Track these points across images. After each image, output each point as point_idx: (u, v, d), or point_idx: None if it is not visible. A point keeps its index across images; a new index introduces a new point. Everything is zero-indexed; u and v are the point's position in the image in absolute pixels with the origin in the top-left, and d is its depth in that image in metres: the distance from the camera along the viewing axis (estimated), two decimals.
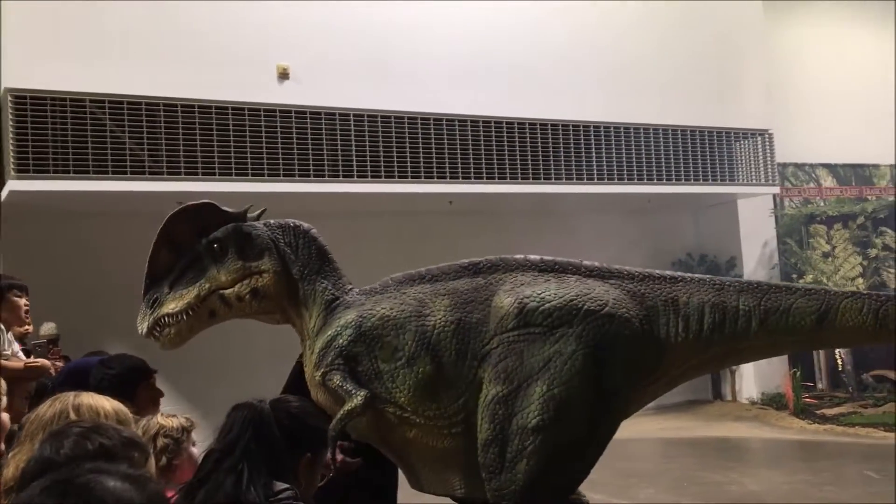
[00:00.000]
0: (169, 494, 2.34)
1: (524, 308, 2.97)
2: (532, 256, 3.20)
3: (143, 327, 3.21)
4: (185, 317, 3.18)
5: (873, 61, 13.85)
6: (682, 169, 10.98)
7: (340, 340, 3.06)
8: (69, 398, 2.42)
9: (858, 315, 3.03)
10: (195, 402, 7.98)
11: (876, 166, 13.07)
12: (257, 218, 3.43)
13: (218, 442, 2.40)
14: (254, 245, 3.26)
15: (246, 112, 8.38)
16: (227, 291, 3.22)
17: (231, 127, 8.30)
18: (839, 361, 12.14)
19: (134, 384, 3.50)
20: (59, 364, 5.00)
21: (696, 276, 3.20)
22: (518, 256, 3.20)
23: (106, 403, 2.45)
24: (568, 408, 2.85)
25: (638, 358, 2.98)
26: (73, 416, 2.31)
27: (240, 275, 3.23)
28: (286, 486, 2.25)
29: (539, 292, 3.01)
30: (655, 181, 10.78)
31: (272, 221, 3.39)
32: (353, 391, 2.94)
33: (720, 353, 3.14)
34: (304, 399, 2.62)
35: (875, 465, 8.38)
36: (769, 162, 11.73)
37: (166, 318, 3.18)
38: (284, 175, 8.55)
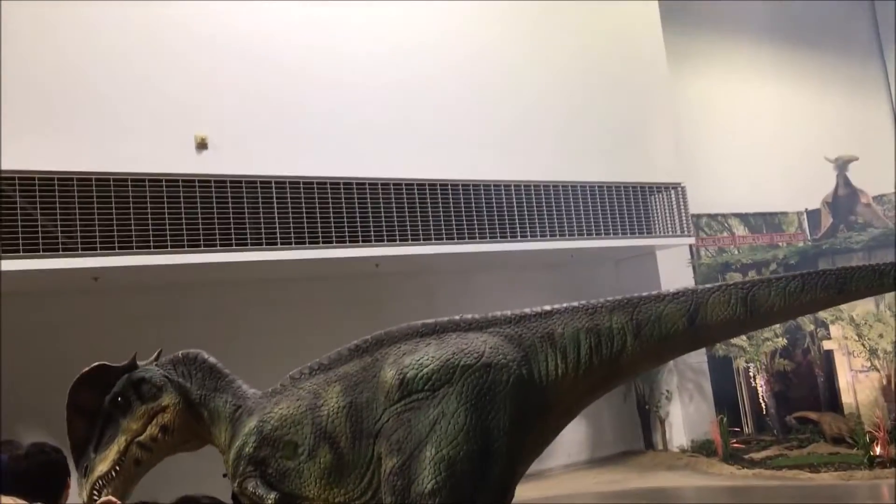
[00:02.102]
0: None
1: (404, 378, 3.08)
2: (414, 323, 3.31)
3: (83, 496, 3.39)
4: (114, 474, 3.39)
5: (775, 112, 14.57)
6: (600, 223, 11.23)
7: (247, 449, 3.24)
8: None
9: (727, 307, 3.12)
10: None
11: (784, 213, 13.62)
12: (157, 359, 3.70)
13: None
14: (150, 387, 3.54)
15: (164, 183, 8.24)
16: (142, 437, 3.49)
17: (148, 198, 8.15)
18: (763, 405, 12.44)
19: (50, 481, 3.33)
20: None
21: (571, 304, 3.27)
22: (401, 326, 3.30)
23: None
24: (459, 465, 2.93)
25: (521, 400, 3.06)
26: None
27: (147, 418, 3.50)
28: None
29: (418, 359, 3.11)
30: (575, 236, 10.99)
31: (163, 359, 3.65)
32: (264, 495, 3.11)
33: (605, 375, 3.23)
34: (212, 498, 2.45)
35: None
36: (683, 214, 12.11)
37: (100, 482, 3.38)
38: (205, 245, 8.40)
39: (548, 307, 3.28)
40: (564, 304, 3.28)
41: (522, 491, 10.66)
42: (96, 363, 3.68)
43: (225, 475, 3.27)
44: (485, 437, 2.98)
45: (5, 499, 2.33)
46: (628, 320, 3.17)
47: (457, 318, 3.30)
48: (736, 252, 12.93)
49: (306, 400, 3.23)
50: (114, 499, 3.19)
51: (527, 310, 3.29)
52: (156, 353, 3.75)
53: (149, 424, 3.48)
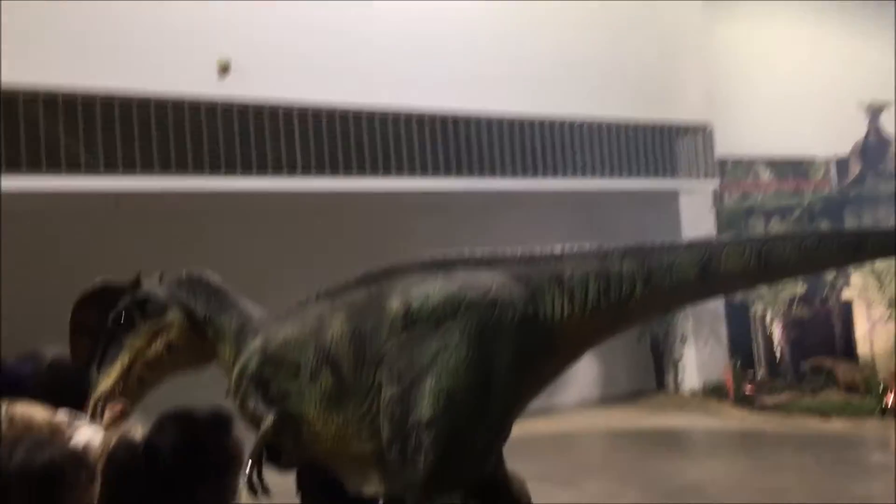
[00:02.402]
0: None
1: (410, 308, 3.06)
2: (422, 255, 3.28)
3: (86, 413, 3.34)
4: (118, 392, 3.36)
5: (809, 58, 14.21)
6: (624, 164, 11.12)
7: (250, 367, 3.24)
8: (2, 408, 2.34)
9: (741, 260, 3.05)
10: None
11: (812, 160, 13.42)
12: (160, 279, 3.67)
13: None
14: (155, 305, 3.51)
15: (186, 106, 8.22)
16: (146, 355, 3.45)
17: (171, 122, 8.13)
18: (778, 351, 12.45)
19: (74, 392, 3.42)
20: None
21: (582, 247, 3.24)
22: (411, 257, 3.29)
23: (40, 415, 2.38)
24: (458, 398, 2.93)
25: (525, 339, 3.04)
26: (5, 427, 2.24)
27: (151, 335, 3.47)
28: None
29: (424, 291, 3.09)
30: (598, 176, 10.90)
31: (166, 279, 3.63)
32: (264, 414, 3.11)
33: (611, 320, 3.19)
34: (197, 422, 2.26)
35: (812, 453, 8.62)
36: (709, 157, 11.95)
37: (103, 399, 3.34)
38: (226, 171, 8.41)
39: (558, 248, 3.23)
40: (576, 246, 3.24)
41: (532, 426, 10.85)
42: (99, 280, 3.64)
43: (228, 392, 3.31)
44: (486, 372, 2.97)
45: (32, 407, 2.38)
46: (639, 267, 3.10)
47: (466, 253, 3.27)
48: (760, 198, 12.77)
49: (311, 324, 3.24)
50: (122, 405, 3.26)
51: (537, 249, 3.25)
52: (158, 274, 3.73)
53: (153, 343, 3.46)
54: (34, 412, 2.36)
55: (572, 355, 3.28)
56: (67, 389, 3.38)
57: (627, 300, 3.10)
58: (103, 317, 3.52)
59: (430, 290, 3.09)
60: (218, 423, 2.24)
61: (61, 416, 3.18)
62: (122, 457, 2.10)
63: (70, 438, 2.91)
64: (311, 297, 3.37)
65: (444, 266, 3.22)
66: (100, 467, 2.51)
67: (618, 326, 3.31)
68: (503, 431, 3.13)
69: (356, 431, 3.12)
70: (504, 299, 3.05)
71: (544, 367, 3.18)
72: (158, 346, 3.47)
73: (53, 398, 3.24)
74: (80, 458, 1.71)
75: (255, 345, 3.30)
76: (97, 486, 1.72)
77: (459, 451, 2.97)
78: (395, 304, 3.11)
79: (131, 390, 3.43)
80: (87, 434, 3.14)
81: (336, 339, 3.15)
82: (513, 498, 3.27)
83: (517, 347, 3.03)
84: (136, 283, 3.60)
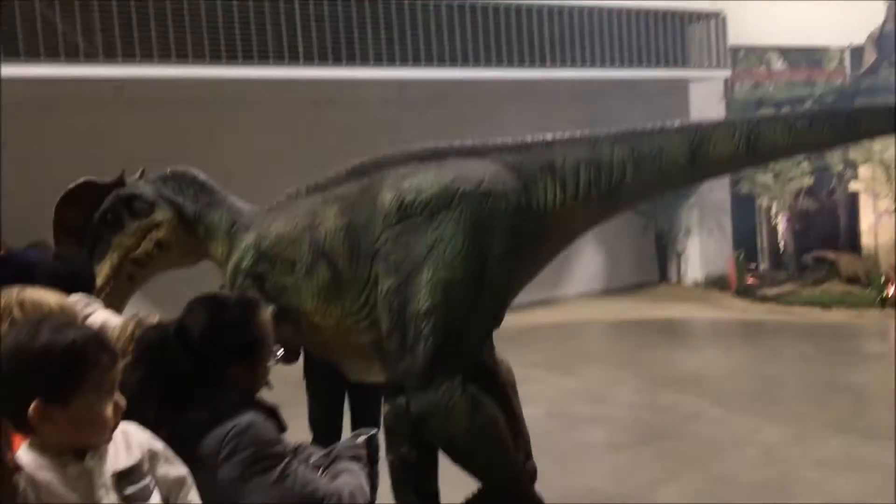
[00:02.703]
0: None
1: (403, 201, 3.07)
2: (413, 146, 3.26)
3: None
4: (108, 290, 3.40)
5: None
6: (633, 52, 10.86)
7: (245, 263, 3.26)
8: (13, 293, 2.36)
9: (730, 143, 3.05)
10: None
11: (826, 49, 13.08)
12: (141, 176, 3.63)
13: (128, 375, 2.16)
14: (142, 203, 3.48)
15: None
16: (136, 253, 3.47)
17: (169, 9, 7.92)
18: (782, 243, 12.49)
19: (83, 279, 3.44)
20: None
21: (573, 134, 3.22)
22: (400, 149, 3.27)
23: (51, 299, 2.41)
24: (454, 288, 2.99)
25: (518, 230, 3.08)
26: (16, 312, 2.26)
27: (140, 234, 3.46)
28: (218, 397, 2.06)
29: (417, 183, 3.09)
30: (607, 66, 10.66)
31: (151, 176, 3.58)
32: None
33: (602, 206, 3.23)
34: (223, 305, 2.30)
35: (810, 342, 8.77)
36: (721, 45, 11.64)
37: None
38: (227, 59, 8.24)
39: (549, 136, 3.22)
40: (567, 134, 3.22)
41: (535, 317, 11.00)
42: (82, 179, 3.58)
43: (222, 286, 3.32)
44: (481, 262, 3.02)
45: (43, 292, 2.41)
46: (629, 153, 3.11)
47: (457, 143, 3.25)
48: (772, 88, 12.53)
49: (303, 219, 3.25)
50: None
51: (528, 138, 3.24)
52: (140, 171, 3.67)
53: (142, 240, 3.48)
54: (46, 296, 2.39)
55: (564, 242, 3.36)
56: (74, 277, 3.41)
57: (618, 186, 3.12)
58: (88, 216, 3.51)
59: (423, 182, 3.09)
60: (246, 305, 2.29)
61: (75, 299, 3.22)
62: (154, 337, 2.18)
63: (85, 320, 2.97)
64: (301, 191, 3.36)
65: (434, 157, 3.21)
66: (122, 349, 2.57)
67: (608, 212, 3.35)
68: (497, 318, 3.20)
69: (354, 323, 3.18)
70: (497, 190, 3.06)
71: (536, 255, 3.24)
72: (148, 244, 3.47)
73: (60, 285, 3.27)
74: (101, 339, 1.75)
75: (248, 241, 3.30)
76: (119, 369, 1.76)
77: (457, 339, 3.04)
78: (388, 196, 3.11)
79: (121, 288, 3.43)
80: (103, 316, 3.20)
81: (330, 233, 3.16)
82: (499, 382, 3.36)
83: (511, 237, 3.06)
84: (121, 182, 3.57)
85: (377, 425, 3.90)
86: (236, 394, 2.13)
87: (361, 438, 2.42)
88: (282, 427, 2.15)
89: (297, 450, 2.23)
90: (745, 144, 3.04)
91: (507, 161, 3.16)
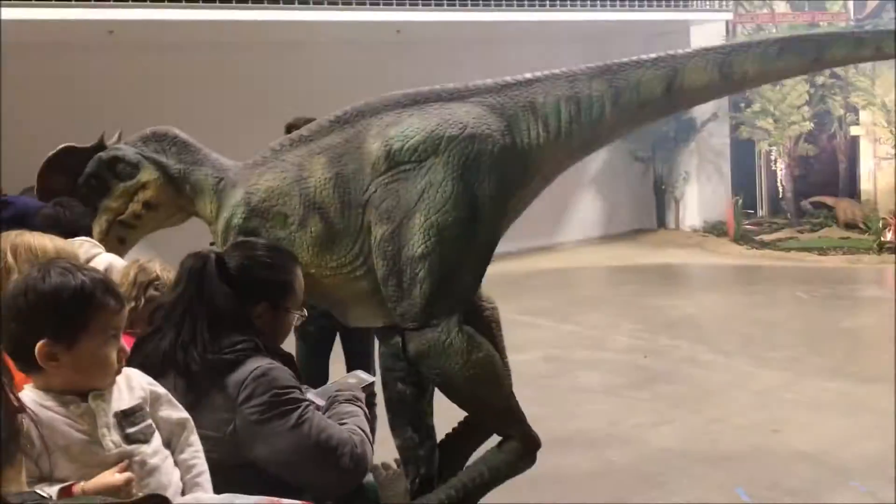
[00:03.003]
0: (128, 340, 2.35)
1: (391, 149, 3.12)
2: (394, 93, 3.29)
3: None
4: None
5: None
6: None
7: (235, 220, 3.27)
8: (10, 237, 2.37)
9: (704, 72, 3.16)
10: None
11: None
12: (119, 139, 3.62)
13: (167, 295, 2.36)
14: (125, 165, 3.48)
15: None
16: (124, 216, 3.47)
17: None
18: (780, 189, 12.47)
19: (81, 222, 3.44)
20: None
21: (552, 72, 3.29)
22: (381, 96, 3.30)
23: (48, 243, 2.41)
24: (447, 231, 3.07)
25: (505, 169, 3.15)
26: (9, 258, 2.27)
27: (127, 196, 3.47)
28: (242, 338, 2.15)
29: (402, 130, 3.14)
30: (607, 7, 10.51)
31: (131, 138, 3.57)
32: None
33: (584, 141, 3.32)
34: (264, 246, 2.50)
35: (806, 287, 8.82)
36: None
37: None
38: (222, 1, 8.11)
39: (529, 75, 3.28)
40: (546, 72, 3.28)
41: (534, 263, 11.04)
42: (62, 146, 3.58)
43: (212, 244, 3.33)
44: (471, 203, 3.10)
45: (42, 236, 2.41)
46: (608, 87, 3.21)
47: (437, 87, 3.28)
48: (774, 30, 12.36)
49: (291, 172, 3.27)
50: None
51: (508, 78, 3.29)
52: (117, 134, 3.68)
53: (130, 202, 3.47)
54: (43, 240, 2.39)
55: (549, 176, 3.40)
56: (75, 222, 3.42)
57: (599, 120, 3.22)
58: (72, 182, 3.51)
59: (408, 129, 3.13)
60: (283, 252, 2.49)
61: (79, 242, 3.23)
62: (195, 262, 2.26)
63: (89, 262, 2.98)
64: (286, 144, 3.38)
65: (416, 103, 3.24)
66: (124, 294, 2.61)
67: (590, 147, 3.44)
68: (488, 257, 3.26)
69: (351, 271, 3.23)
70: (482, 132, 3.12)
71: (524, 192, 3.30)
72: (136, 205, 3.47)
73: (61, 230, 3.28)
74: (109, 283, 1.78)
75: (236, 197, 3.31)
76: (125, 313, 1.79)
77: (452, 279, 3.12)
78: (374, 146, 3.15)
79: (112, 251, 3.45)
80: (108, 259, 3.21)
81: (319, 185, 3.20)
82: (485, 319, 3.44)
83: (498, 177, 3.13)
84: (101, 146, 3.57)
85: (370, 364, 4.02)
86: (258, 337, 2.18)
87: (355, 379, 2.46)
88: (297, 375, 2.20)
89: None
90: (718, 73, 3.16)
91: (489, 103, 3.22)
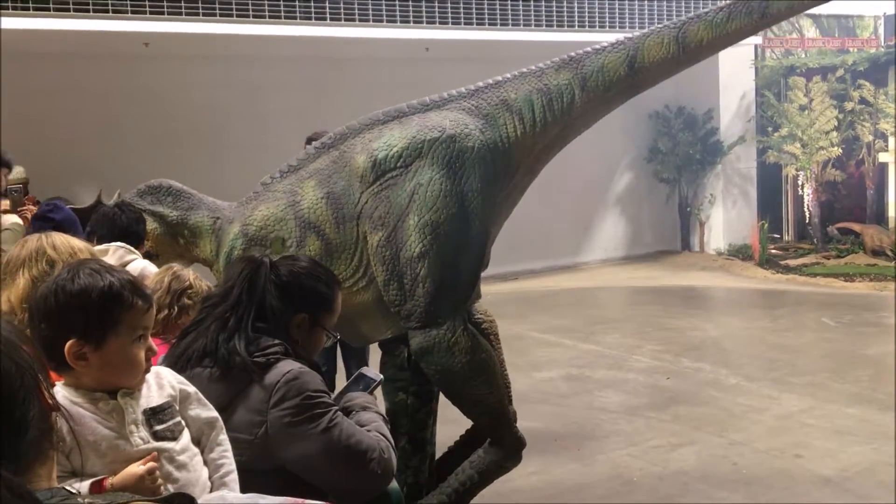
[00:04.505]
0: (165, 349, 2.41)
1: (376, 159, 3.26)
2: (374, 113, 3.47)
3: None
4: None
5: None
6: (663, 16, 10.71)
7: (236, 251, 3.40)
8: (42, 238, 2.43)
9: (661, 48, 3.35)
10: None
11: (860, 17, 12.83)
12: (119, 196, 3.82)
13: (216, 289, 2.46)
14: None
15: None
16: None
17: None
18: (807, 214, 12.38)
19: (141, 236, 3.57)
20: (33, 209, 4.95)
21: (520, 71, 3.47)
22: (362, 117, 3.47)
23: (77, 242, 2.48)
24: (441, 227, 3.18)
25: (488, 164, 3.29)
26: (50, 252, 2.34)
27: (120, 203, 3.62)
28: (276, 342, 2.21)
29: (385, 141, 3.29)
30: (636, 29, 10.52)
31: (126, 195, 3.75)
32: None
33: (560, 129, 3.48)
34: (313, 261, 2.59)
35: (832, 313, 8.74)
36: None
37: None
38: (254, 16, 8.23)
39: (499, 77, 3.47)
40: (514, 72, 3.48)
41: (557, 282, 11.01)
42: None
43: (216, 286, 3.46)
44: (461, 199, 3.21)
45: (72, 238, 2.48)
46: (574, 75, 3.38)
47: (415, 101, 3.46)
48: (803, 55, 12.32)
49: (283, 199, 3.41)
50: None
51: (479, 83, 3.47)
52: (116, 193, 3.86)
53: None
54: (72, 241, 2.46)
55: (531, 170, 3.54)
56: (128, 226, 3.55)
57: (570, 108, 3.39)
58: (69, 213, 3.68)
59: (391, 139, 3.28)
60: (330, 272, 2.59)
61: (115, 247, 3.33)
62: (248, 263, 2.37)
63: (124, 267, 3.06)
64: (276, 176, 3.55)
65: (395, 117, 3.41)
66: (158, 299, 2.68)
67: (566, 135, 3.57)
68: (484, 253, 3.37)
69: (353, 284, 3.33)
70: (461, 131, 3.27)
71: (509, 187, 3.44)
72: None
73: (115, 233, 3.44)
74: (137, 285, 1.82)
75: (234, 231, 3.45)
76: (153, 314, 1.83)
77: (452, 275, 3.23)
78: (360, 160, 3.29)
79: None
80: (142, 265, 3.30)
81: (312, 205, 3.33)
82: (484, 331, 3.52)
83: (483, 172, 3.27)
84: (98, 203, 3.75)
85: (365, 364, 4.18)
86: (292, 345, 2.25)
87: (363, 383, 2.51)
88: (326, 383, 2.25)
89: None
90: (675, 46, 3.34)
91: (464, 106, 3.39)
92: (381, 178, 3.25)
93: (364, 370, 2.65)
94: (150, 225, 3.63)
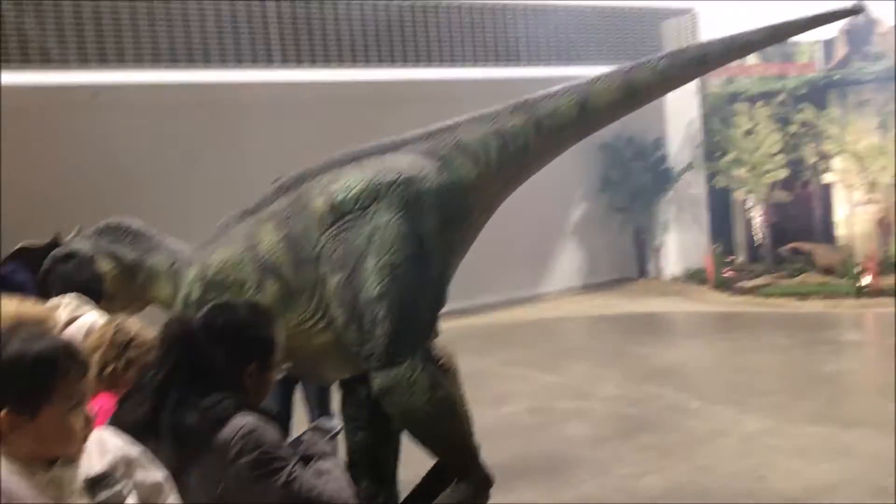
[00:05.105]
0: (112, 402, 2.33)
1: (334, 202, 3.29)
2: (331, 155, 3.50)
3: None
4: None
5: None
6: (608, 49, 10.93)
7: (193, 295, 3.40)
8: None
9: (610, 93, 3.48)
10: None
11: (797, 43, 13.22)
12: (78, 234, 3.76)
13: (151, 358, 2.37)
14: (81, 258, 3.57)
15: None
16: None
17: (142, 13, 7.89)
18: (758, 236, 12.62)
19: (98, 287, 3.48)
20: None
21: (474, 114, 3.54)
22: (319, 161, 3.49)
23: (12, 308, 2.40)
24: (400, 268, 3.20)
25: (445, 205, 3.33)
26: None
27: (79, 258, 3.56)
28: (225, 396, 2.16)
29: (343, 183, 3.32)
30: (581, 63, 10.73)
31: (85, 232, 3.72)
32: None
33: (515, 171, 3.54)
34: (246, 305, 2.53)
35: (788, 333, 8.88)
36: (694, 41, 11.75)
37: None
38: (204, 61, 8.21)
39: (452, 121, 3.53)
40: (468, 115, 3.54)
41: (517, 314, 11.02)
42: (18, 246, 3.72)
43: None
44: (419, 240, 3.24)
45: (20, 300, 2.40)
46: (528, 118, 3.45)
47: (371, 144, 3.50)
48: (746, 82, 12.65)
49: (241, 242, 3.41)
50: None
51: (433, 126, 3.54)
52: (76, 229, 3.79)
53: None
54: (10, 305, 2.38)
55: (488, 210, 3.58)
56: (86, 280, 3.46)
57: (524, 149, 3.46)
58: (31, 278, 3.60)
59: (349, 181, 3.30)
60: (266, 313, 2.48)
61: (67, 300, 3.23)
62: (178, 329, 2.27)
63: (74, 321, 2.97)
64: (232, 219, 3.53)
65: (352, 160, 3.43)
66: (100, 353, 2.60)
67: (521, 176, 3.63)
68: (443, 292, 3.39)
69: (312, 325, 3.33)
70: (418, 174, 3.31)
71: (466, 227, 3.48)
72: None
73: (70, 288, 3.34)
74: (72, 350, 1.72)
75: (192, 275, 3.44)
76: (89, 379, 1.75)
77: (411, 315, 3.24)
78: (318, 202, 3.30)
79: None
80: (92, 318, 3.19)
81: (271, 248, 3.33)
82: (443, 368, 3.51)
83: (440, 213, 3.30)
84: (56, 242, 3.68)
85: (328, 410, 4.11)
86: (242, 396, 2.20)
87: (320, 432, 2.47)
88: (282, 432, 2.20)
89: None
90: (623, 91, 3.47)
91: (420, 149, 3.43)
92: (340, 220, 3.26)
93: (321, 421, 2.60)
94: (106, 266, 3.57)
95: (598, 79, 3.51)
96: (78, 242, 3.68)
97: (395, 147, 3.45)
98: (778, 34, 3.94)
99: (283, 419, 3.85)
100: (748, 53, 3.92)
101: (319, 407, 4.32)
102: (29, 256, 3.70)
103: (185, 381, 2.17)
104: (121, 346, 2.79)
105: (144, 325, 2.91)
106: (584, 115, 3.49)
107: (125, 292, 3.63)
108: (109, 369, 2.69)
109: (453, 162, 3.39)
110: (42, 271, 3.60)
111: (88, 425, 1.73)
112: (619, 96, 3.48)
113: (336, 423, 2.59)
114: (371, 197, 3.26)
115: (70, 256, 3.59)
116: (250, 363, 2.28)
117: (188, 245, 3.67)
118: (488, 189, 3.47)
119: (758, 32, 3.66)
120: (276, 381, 4.13)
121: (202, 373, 2.19)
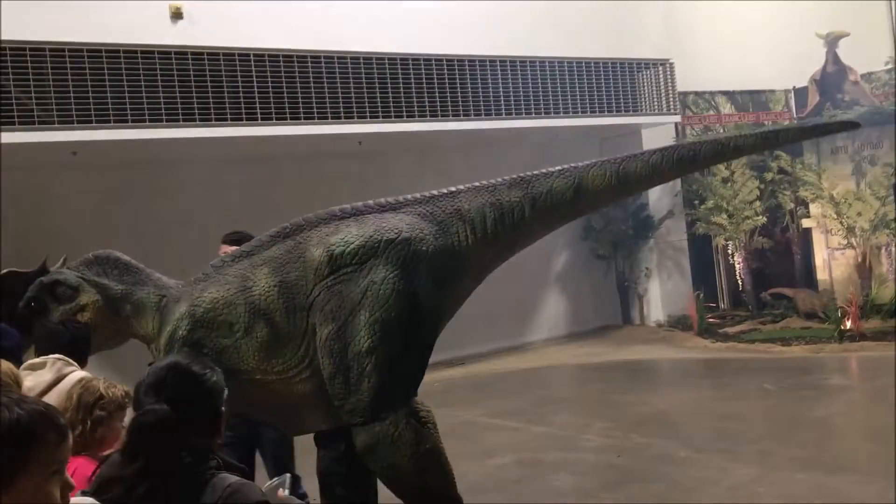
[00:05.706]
0: (91, 466, 2.28)
1: (332, 254, 3.34)
2: (333, 208, 3.57)
3: None
4: None
5: None
6: (586, 101, 11.10)
7: (180, 332, 3.38)
8: None
9: (604, 179, 3.63)
10: None
11: (772, 91, 13.49)
12: (64, 263, 3.77)
13: (125, 469, 2.10)
14: (66, 288, 3.60)
15: (139, 55, 8.02)
16: None
17: (124, 71, 7.94)
18: (740, 282, 12.70)
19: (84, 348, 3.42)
20: None
21: (474, 184, 3.67)
22: (319, 212, 3.57)
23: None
24: (391, 325, 3.25)
25: (439, 267, 3.42)
26: None
27: (66, 318, 3.53)
28: (204, 458, 2.09)
29: (342, 237, 3.38)
30: (560, 114, 10.89)
31: (73, 262, 3.71)
32: None
33: (508, 242, 3.67)
34: (208, 373, 2.30)
35: (772, 378, 8.89)
36: (671, 91, 11.97)
37: None
38: (184, 119, 8.26)
39: (454, 188, 3.65)
40: (468, 185, 3.66)
41: (502, 363, 10.96)
42: (5, 270, 3.68)
43: (150, 363, 3.36)
44: (412, 299, 3.30)
45: None
46: (524, 194, 3.59)
47: (371, 202, 3.59)
48: (722, 130, 12.86)
49: (235, 283, 3.42)
50: None
51: (434, 191, 3.65)
52: (62, 259, 3.79)
53: None
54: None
55: (479, 276, 3.69)
56: (74, 341, 3.39)
57: (519, 223, 3.60)
58: (12, 305, 3.56)
59: (348, 236, 3.37)
60: (212, 370, 2.29)
61: (53, 359, 3.17)
62: (152, 420, 2.08)
63: (62, 380, 2.90)
64: (227, 260, 3.56)
65: (352, 214, 3.51)
66: (68, 417, 2.53)
67: (514, 247, 3.77)
68: (429, 350, 3.44)
69: (297, 374, 3.35)
70: (416, 235, 3.39)
71: (458, 290, 3.57)
72: None
73: (59, 348, 3.29)
74: (49, 416, 1.64)
75: (180, 311, 3.43)
76: (68, 446, 1.69)
77: (398, 372, 3.27)
78: (316, 253, 3.35)
79: None
80: (78, 376, 2.99)
81: (264, 292, 3.35)
82: (422, 421, 3.50)
83: (434, 275, 3.38)
84: (43, 269, 3.67)
85: (286, 465, 4.14)
86: (212, 458, 2.15)
87: (283, 490, 2.44)
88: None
89: None
90: (615, 179, 3.62)
91: (419, 211, 3.53)
92: (336, 272, 3.31)
93: (286, 477, 2.59)
94: (92, 297, 3.55)
95: (591, 165, 3.66)
96: (64, 272, 3.65)
97: (394, 207, 3.54)
98: (769, 142, 4.13)
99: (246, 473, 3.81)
100: (738, 157, 4.14)
101: (276, 468, 4.25)
102: (14, 282, 3.65)
103: (161, 467, 2.06)
104: (87, 406, 2.73)
105: (111, 383, 2.85)
106: (578, 197, 3.63)
107: (107, 324, 3.61)
108: (77, 432, 2.62)
109: (451, 227, 3.50)
110: (26, 297, 3.57)
111: (66, 492, 1.68)
112: (611, 183, 3.62)
113: (292, 478, 2.55)
114: (369, 253, 3.32)
115: (56, 284, 3.55)
116: (216, 429, 2.22)
117: (177, 282, 3.65)
118: (482, 257, 3.58)
119: (750, 137, 3.79)
120: (238, 442, 4.13)
121: (175, 455, 2.08)
